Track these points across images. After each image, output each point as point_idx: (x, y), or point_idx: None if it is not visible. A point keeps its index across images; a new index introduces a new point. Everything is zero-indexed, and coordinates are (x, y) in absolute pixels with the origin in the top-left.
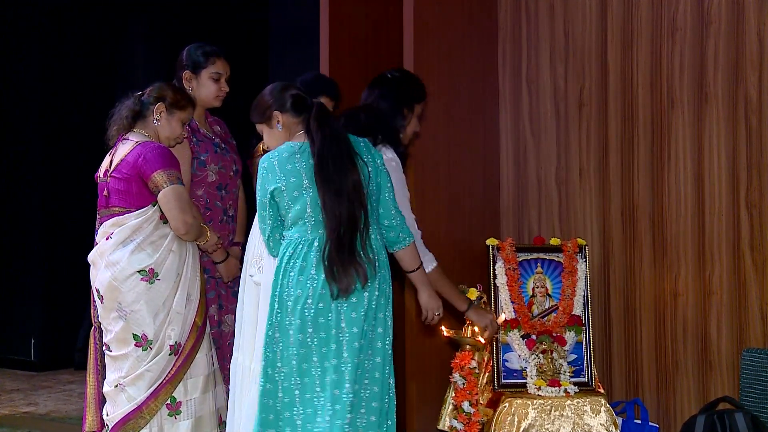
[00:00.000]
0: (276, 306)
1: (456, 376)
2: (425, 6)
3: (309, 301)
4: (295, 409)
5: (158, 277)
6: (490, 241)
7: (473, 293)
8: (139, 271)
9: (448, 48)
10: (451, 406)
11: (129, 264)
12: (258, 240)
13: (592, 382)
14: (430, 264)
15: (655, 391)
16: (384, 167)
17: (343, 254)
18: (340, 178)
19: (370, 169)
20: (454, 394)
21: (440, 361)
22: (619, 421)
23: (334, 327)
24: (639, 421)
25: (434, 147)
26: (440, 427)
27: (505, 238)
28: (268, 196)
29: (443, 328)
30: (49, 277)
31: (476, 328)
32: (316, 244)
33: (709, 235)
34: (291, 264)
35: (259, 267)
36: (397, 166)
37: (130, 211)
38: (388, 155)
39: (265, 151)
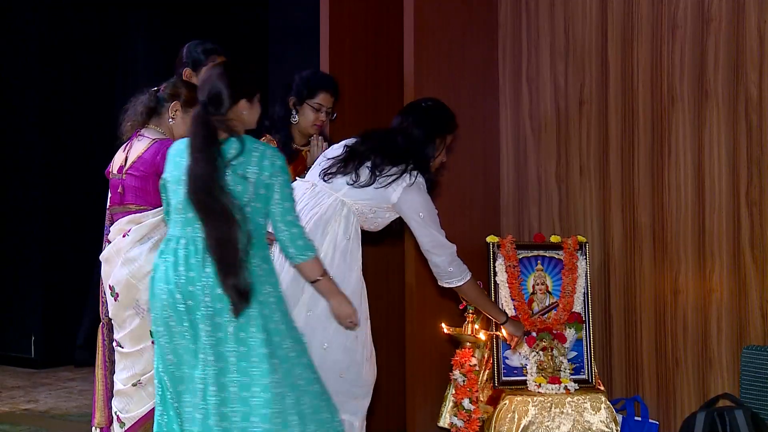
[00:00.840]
0: (152, 301)
1: (456, 374)
2: (425, 4)
3: (178, 296)
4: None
5: None
6: (491, 239)
7: None
8: None
9: (448, 46)
10: (451, 403)
11: (147, 262)
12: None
13: (592, 379)
14: (464, 276)
15: (655, 388)
16: (276, 178)
17: (225, 274)
18: (212, 202)
19: (242, 183)
20: (454, 392)
21: (440, 359)
22: (619, 418)
23: (209, 319)
24: (639, 419)
25: None
26: (440, 424)
27: (506, 236)
28: (161, 182)
29: (444, 325)
30: (49, 274)
31: (476, 326)
32: (183, 241)
33: (709, 232)
34: (162, 259)
35: None
36: (425, 189)
37: (147, 209)
38: (419, 179)
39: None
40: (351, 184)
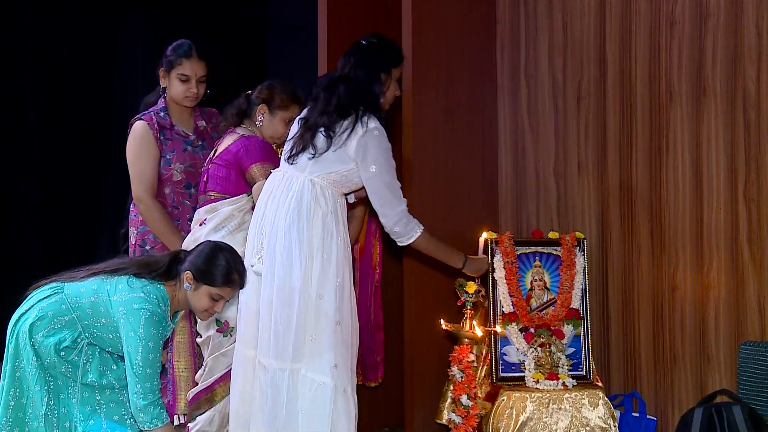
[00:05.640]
0: None
1: (454, 370)
2: (423, 0)
3: None
4: None
5: None
6: (489, 235)
7: (471, 287)
8: None
9: (446, 42)
10: (449, 400)
11: None
12: (258, 230)
13: (590, 375)
14: (412, 235)
15: (653, 384)
16: (120, 305)
17: None
18: None
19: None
20: (452, 388)
21: (439, 355)
22: (617, 414)
23: None
24: (637, 414)
25: (432, 141)
26: (439, 420)
27: (504, 232)
28: None
29: (442, 321)
30: (48, 271)
31: (475, 322)
32: None
33: (707, 228)
34: None
35: (259, 257)
36: (380, 135)
37: (225, 198)
38: (372, 125)
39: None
40: (312, 158)
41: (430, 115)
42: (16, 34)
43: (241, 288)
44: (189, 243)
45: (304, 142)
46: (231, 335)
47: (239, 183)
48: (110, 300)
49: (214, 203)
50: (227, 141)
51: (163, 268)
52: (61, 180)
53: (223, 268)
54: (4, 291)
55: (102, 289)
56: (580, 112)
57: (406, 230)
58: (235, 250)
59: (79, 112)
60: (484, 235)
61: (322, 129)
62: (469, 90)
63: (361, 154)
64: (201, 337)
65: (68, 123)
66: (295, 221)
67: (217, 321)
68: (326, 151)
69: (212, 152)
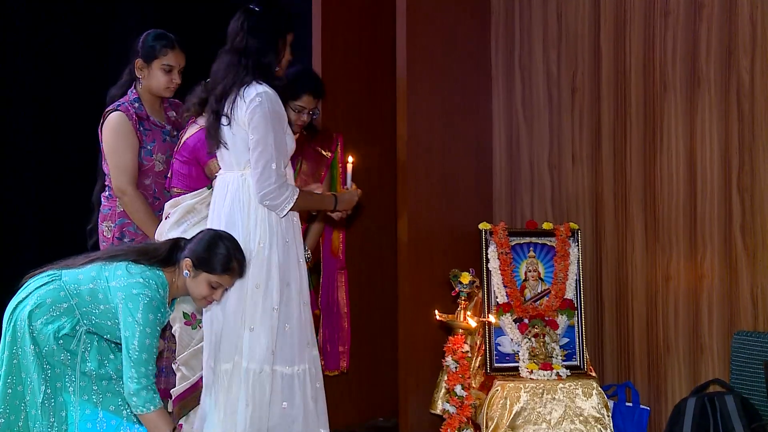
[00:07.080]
0: None
1: (448, 360)
2: None
3: None
4: None
5: None
6: (483, 225)
7: (466, 277)
8: None
9: (441, 34)
10: (443, 390)
11: None
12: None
13: (584, 365)
14: (285, 206)
15: (646, 374)
16: (118, 291)
17: None
18: None
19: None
20: (446, 378)
21: (433, 345)
22: (610, 403)
23: None
24: (630, 404)
25: (427, 132)
26: (433, 411)
27: (498, 223)
28: None
29: (436, 312)
30: (45, 262)
31: (469, 312)
32: None
33: (701, 219)
34: None
35: None
36: (262, 101)
37: (187, 193)
38: (253, 92)
39: None
40: (228, 150)
41: (425, 107)
42: (12, 32)
43: (240, 277)
44: (156, 236)
45: (214, 138)
46: (199, 327)
47: (200, 178)
48: (109, 286)
49: (177, 198)
50: (188, 133)
51: (162, 255)
52: (57, 173)
53: (222, 256)
54: (3, 292)
55: (101, 276)
56: (574, 103)
57: (274, 204)
58: (235, 239)
59: (72, 104)
60: (350, 159)
61: (217, 115)
62: (463, 82)
63: (248, 129)
64: (171, 328)
65: (62, 117)
66: (231, 225)
67: (184, 314)
68: (232, 137)
69: (177, 144)
